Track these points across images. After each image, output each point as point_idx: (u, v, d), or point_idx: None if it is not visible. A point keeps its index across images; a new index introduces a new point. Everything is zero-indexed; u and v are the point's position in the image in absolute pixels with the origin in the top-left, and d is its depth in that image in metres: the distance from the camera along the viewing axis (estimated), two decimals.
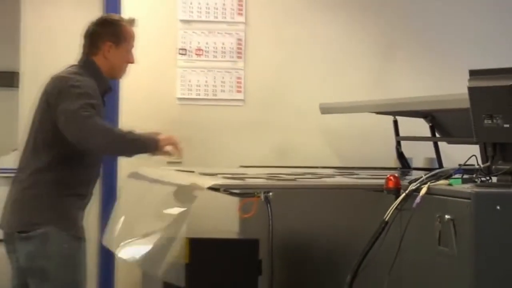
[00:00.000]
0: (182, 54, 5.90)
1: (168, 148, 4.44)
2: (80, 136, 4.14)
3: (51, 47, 5.86)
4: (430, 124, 5.45)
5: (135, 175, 4.71)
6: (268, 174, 4.60)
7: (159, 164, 4.76)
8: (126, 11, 5.77)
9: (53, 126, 4.23)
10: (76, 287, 4.25)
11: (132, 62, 4.59)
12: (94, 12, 5.74)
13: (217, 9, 5.90)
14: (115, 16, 4.75)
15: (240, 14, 5.94)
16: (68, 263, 4.22)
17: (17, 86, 5.95)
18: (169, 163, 4.62)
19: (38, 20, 5.86)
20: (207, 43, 5.87)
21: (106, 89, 4.49)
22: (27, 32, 5.84)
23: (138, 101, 5.93)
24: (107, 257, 5.82)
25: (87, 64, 4.45)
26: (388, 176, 3.64)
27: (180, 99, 5.94)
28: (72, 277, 4.24)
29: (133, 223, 4.29)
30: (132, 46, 4.58)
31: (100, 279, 5.93)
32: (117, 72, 4.57)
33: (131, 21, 4.62)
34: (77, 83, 4.26)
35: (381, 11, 6.22)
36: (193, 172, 4.43)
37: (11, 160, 5.11)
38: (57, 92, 4.29)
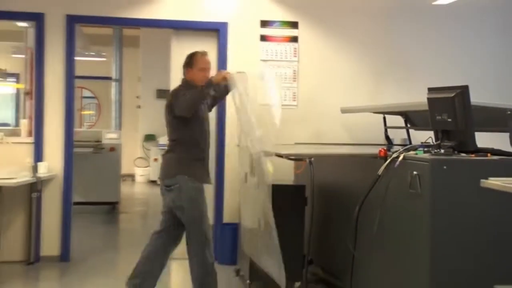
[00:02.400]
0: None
1: (222, 77, 4.16)
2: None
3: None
4: (404, 119, 5.38)
5: None
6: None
7: None
8: (230, 58, 5.78)
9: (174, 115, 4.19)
10: (201, 215, 4.19)
11: (206, 77, 4.25)
12: (211, 50, 5.75)
13: (282, 53, 5.86)
14: (196, 52, 4.39)
15: (295, 56, 5.89)
16: (195, 202, 4.18)
17: None
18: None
19: (178, 56, 5.81)
20: (276, 73, 5.81)
21: (200, 88, 4.21)
22: (173, 64, 5.82)
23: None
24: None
25: (183, 81, 4.38)
26: (380, 149, 3.63)
27: (261, 105, 5.87)
28: (198, 210, 4.20)
29: None
30: (202, 67, 4.29)
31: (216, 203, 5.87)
32: (196, 83, 4.26)
33: (204, 53, 4.36)
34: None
35: (376, 51, 6.09)
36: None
37: (165, 140, 5.15)
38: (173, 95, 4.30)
